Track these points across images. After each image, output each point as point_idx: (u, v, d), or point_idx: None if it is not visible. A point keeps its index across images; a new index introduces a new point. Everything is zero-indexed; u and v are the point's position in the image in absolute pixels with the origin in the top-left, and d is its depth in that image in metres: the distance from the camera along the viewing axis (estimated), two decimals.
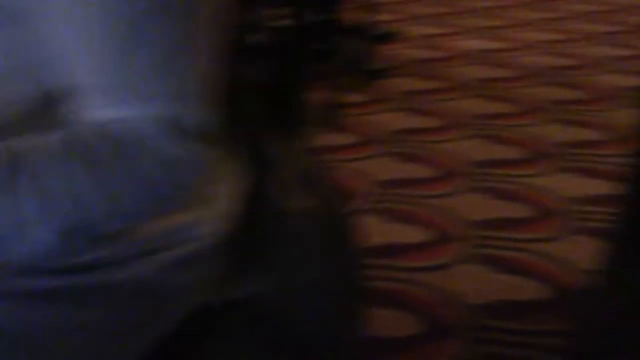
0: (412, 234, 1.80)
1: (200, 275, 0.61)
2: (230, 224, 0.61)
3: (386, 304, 1.54)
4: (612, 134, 2.31)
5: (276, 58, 0.73)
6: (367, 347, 1.39)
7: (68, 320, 0.57)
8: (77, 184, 0.51)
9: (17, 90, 0.56)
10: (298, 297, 0.67)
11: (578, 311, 1.35)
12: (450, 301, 1.55)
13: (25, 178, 0.50)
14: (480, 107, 2.54)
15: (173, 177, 0.52)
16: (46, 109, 0.56)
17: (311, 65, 2.97)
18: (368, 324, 1.46)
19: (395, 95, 2.64)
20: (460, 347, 1.43)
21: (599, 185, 2.00)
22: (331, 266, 0.71)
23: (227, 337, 0.67)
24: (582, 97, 2.64)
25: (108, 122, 0.52)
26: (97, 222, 0.52)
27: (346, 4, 2.56)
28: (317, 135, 2.45)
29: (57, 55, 0.53)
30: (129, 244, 0.57)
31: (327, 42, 2.34)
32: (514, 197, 1.97)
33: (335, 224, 0.75)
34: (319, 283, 0.68)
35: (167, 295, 0.60)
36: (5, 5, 0.53)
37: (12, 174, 0.50)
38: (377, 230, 1.81)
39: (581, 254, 1.72)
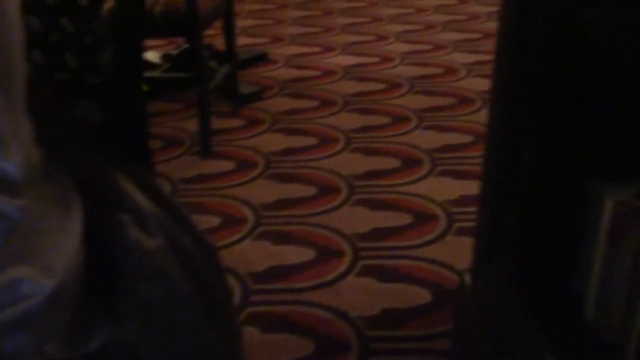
0: (296, 255, 1.79)
1: (40, 333, 0.57)
2: (68, 274, 0.57)
3: (276, 328, 1.53)
4: (478, 136, 2.43)
5: (118, 96, 0.70)
6: None
7: None
8: None
9: None
10: (164, 340, 0.64)
11: (456, 311, 1.40)
12: (340, 317, 1.56)
13: None
14: (353, 121, 2.59)
15: None
16: None
17: (182, 94, 2.90)
18: (260, 350, 1.44)
19: (268, 117, 2.65)
20: None
21: (471, 186, 2.09)
22: (199, 303, 0.69)
23: None
24: (446, 103, 2.76)
25: None
26: None
27: (210, 30, 2.55)
28: (192, 164, 2.42)
29: None
30: None
31: (196, 70, 2.31)
32: (392, 206, 2.01)
33: (201, 258, 0.73)
34: (186, 322, 0.66)
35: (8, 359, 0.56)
36: None
37: None
38: (261, 255, 1.79)
39: (459, 254, 1.78)
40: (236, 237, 1.88)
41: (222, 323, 0.74)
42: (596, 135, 0.97)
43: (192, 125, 2.56)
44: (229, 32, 2.62)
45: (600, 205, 0.92)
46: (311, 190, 2.11)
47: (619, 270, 0.90)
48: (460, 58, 3.27)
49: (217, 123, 2.58)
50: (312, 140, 2.45)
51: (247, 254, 1.80)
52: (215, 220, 1.96)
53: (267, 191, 2.11)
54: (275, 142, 2.44)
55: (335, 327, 1.53)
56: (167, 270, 0.66)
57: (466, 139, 2.44)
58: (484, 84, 2.85)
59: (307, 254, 1.79)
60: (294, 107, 2.74)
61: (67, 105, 0.62)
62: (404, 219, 1.95)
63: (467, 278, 1.29)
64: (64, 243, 0.57)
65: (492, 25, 3.61)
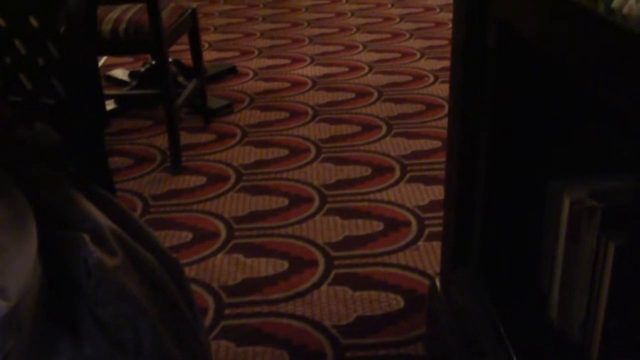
0: (269, 266, 1.80)
1: None
2: (24, 296, 0.57)
3: (251, 341, 1.53)
4: (446, 141, 2.45)
5: (74, 116, 0.70)
6: None
7: None
8: None
9: None
10: (128, 359, 0.64)
11: (428, 316, 1.41)
12: (315, 326, 1.57)
13: None
14: (323, 131, 2.61)
15: None
16: None
17: (151, 110, 2.88)
18: None
19: (239, 131, 2.65)
20: None
21: (441, 191, 2.11)
22: (163, 319, 0.69)
23: None
24: (415, 110, 2.78)
25: None
26: None
27: (177, 45, 2.55)
28: (163, 180, 2.40)
29: None
30: None
31: (163, 86, 2.30)
32: (364, 214, 2.02)
33: (164, 275, 0.73)
34: (150, 340, 0.66)
35: None
36: None
37: None
38: (234, 268, 1.79)
39: (432, 259, 1.80)
40: (209, 251, 1.88)
41: (188, 338, 0.74)
42: (554, 134, 0.99)
43: (162, 141, 2.55)
44: (196, 47, 2.62)
45: (559, 204, 0.94)
46: (283, 202, 2.11)
47: (579, 268, 0.91)
48: (428, 65, 3.31)
49: (187, 138, 2.58)
50: (283, 152, 2.45)
51: (221, 268, 1.80)
52: (187, 235, 1.95)
53: (239, 204, 2.11)
54: (246, 155, 2.44)
55: (310, 337, 1.54)
56: (129, 288, 0.66)
57: (435, 144, 2.47)
58: None
59: (280, 265, 1.80)
60: (264, 120, 2.74)
61: (23, 127, 0.62)
62: (376, 226, 1.96)
63: (438, 282, 1.30)
64: (18, 264, 0.57)
65: None
